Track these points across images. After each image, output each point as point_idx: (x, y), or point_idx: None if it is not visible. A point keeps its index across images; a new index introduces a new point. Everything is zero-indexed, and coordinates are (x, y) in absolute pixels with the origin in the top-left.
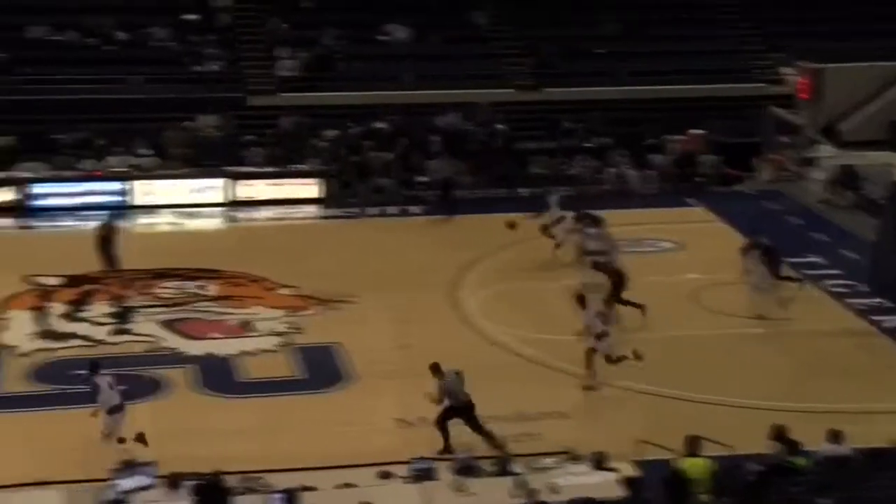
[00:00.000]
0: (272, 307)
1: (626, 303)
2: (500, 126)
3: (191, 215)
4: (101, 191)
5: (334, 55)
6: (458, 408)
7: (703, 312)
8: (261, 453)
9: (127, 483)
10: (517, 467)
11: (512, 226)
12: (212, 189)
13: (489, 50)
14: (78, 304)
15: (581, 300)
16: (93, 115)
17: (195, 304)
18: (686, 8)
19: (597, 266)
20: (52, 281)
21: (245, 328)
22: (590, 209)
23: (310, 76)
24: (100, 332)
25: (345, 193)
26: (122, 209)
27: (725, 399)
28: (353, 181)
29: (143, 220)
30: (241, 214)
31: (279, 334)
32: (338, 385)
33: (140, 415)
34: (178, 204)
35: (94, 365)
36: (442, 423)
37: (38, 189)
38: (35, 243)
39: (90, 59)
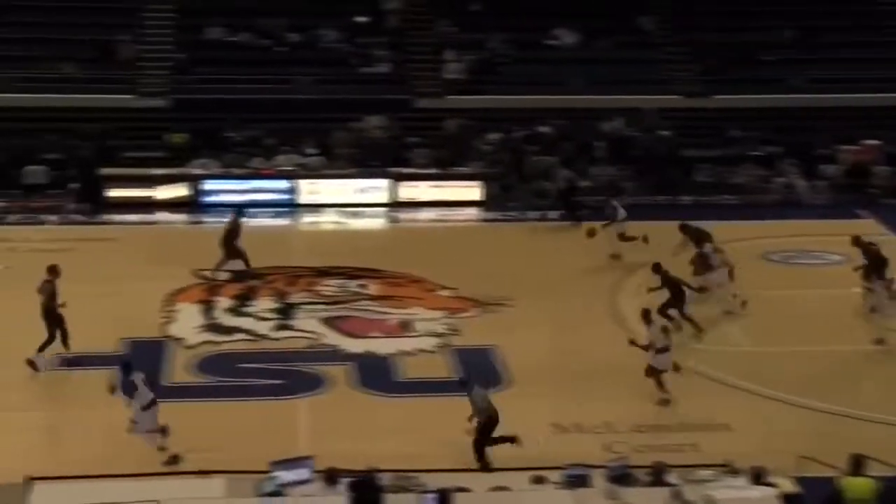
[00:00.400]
0: (431, 308)
1: (689, 319)
2: (664, 132)
3: (354, 215)
4: (268, 188)
5: (500, 59)
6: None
7: (870, 327)
8: (415, 452)
9: (286, 476)
10: (673, 478)
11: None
12: (376, 189)
13: (657, 55)
14: (243, 299)
15: (646, 315)
16: (263, 114)
17: (356, 303)
18: (862, 15)
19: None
20: (220, 276)
21: (404, 328)
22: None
23: (475, 79)
24: (263, 328)
25: (506, 197)
26: (288, 207)
27: (892, 418)
28: (514, 185)
29: (307, 218)
30: (404, 215)
31: (437, 335)
32: (493, 388)
33: (299, 410)
34: (343, 203)
35: (127, 365)
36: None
37: (208, 185)
38: (204, 238)
39: (262, 59)
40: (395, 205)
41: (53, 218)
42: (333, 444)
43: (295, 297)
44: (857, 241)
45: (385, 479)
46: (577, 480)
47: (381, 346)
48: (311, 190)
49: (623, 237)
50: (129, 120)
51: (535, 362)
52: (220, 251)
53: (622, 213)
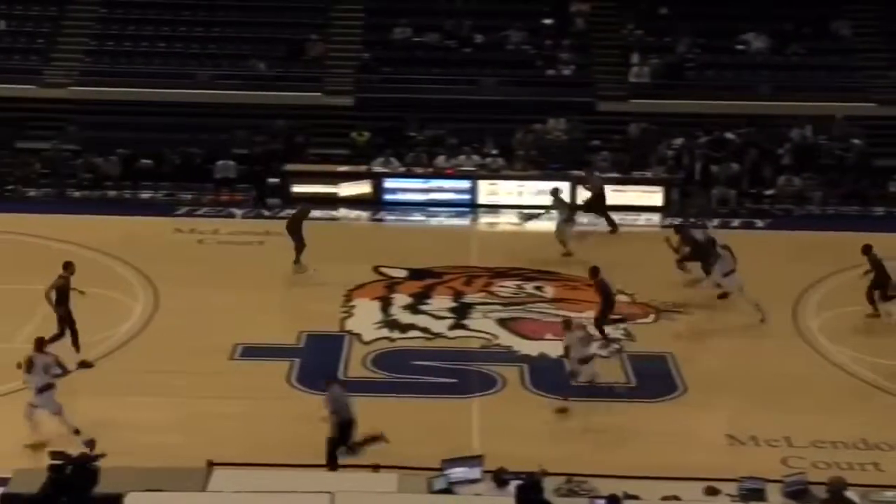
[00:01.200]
0: None
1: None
2: (856, 141)
3: (533, 216)
4: (449, 188)
5: (687, 63)
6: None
7: None
8: (586, 457)
9: (457, 474)
10: (854, 496)
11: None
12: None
13: (851, 62)
14: (420, 297)
15: (567, 324)
16: (446, 114)
17: (531, 305)
18: None
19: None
20: (398, 273)
21: None
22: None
23: (660, 83)
24: (439, 326)
25: (687, 203)
26: (468, 207)
27: None
28: (696, 191)
29: (485, 219)
30: (583, 218)
31: (612, 340)
32: (667, 395)
33: (471, 410)
34: (522, 205)
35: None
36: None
37: (390, 183)
38: (385, 236)
39: (448, 60)
40: (574, 208)
41: (241, 211)
42: (504, 444)
43: (471, 297)
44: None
45: (554, 483)
46: (752, 494)
47: (556, 348)
48: (490, 190)
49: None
50: (316, 117)
51: (711, 371)
52: (290, 238)
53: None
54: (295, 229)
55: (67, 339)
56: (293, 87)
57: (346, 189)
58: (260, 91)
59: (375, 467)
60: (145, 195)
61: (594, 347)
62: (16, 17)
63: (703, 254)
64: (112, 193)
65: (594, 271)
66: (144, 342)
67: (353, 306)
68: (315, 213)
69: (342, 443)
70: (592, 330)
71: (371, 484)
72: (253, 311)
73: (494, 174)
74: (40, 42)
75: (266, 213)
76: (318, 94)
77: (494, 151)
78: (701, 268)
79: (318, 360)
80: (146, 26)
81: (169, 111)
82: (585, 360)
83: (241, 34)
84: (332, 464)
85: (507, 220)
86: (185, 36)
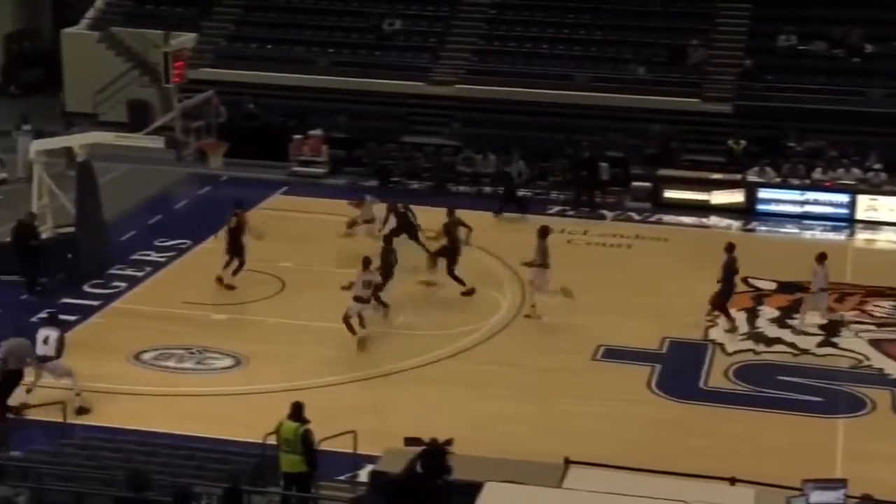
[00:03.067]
0: None
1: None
2: None
3: None
4: (825, 201)
5: None
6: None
7: None
8: None
9: (818, 497)
10: None
11: None
12: None
13: None
14: (789, 311)
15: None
16: (828, 125)
17: None
18: None
19: None
20: (767, 285)
21: None
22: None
23: None
24: (806, 342)
25: None
26: (845, 222)
27: None
28: None
29: (862, 235)
30: None
31: None
32: None
33: (836, 431)
34: None
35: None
36: None
37: (764, 194)
38: (755, 246)
39: (834, 69)
40: None
41: (611, 214)
42: (870, 470)
43: (843, 316)
44: None
45: None
46: None
47: None
48: (870, 206)
49: None
50: (692, 123)
51: None
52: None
53: None
54: (451, 233)
55: None
56: (671, 91)
57: (719, 197)
58: (638, 95)
59: (732, 480)
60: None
61: None
62: (410, 17)
63: None
64: (487, 189)
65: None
66: (509, 337)
67: (718, 316)
68: (685, 219)
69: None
70: None
71: (727, 497)
72: (617, 314)
73: (876, 189)
74: (432, 41)
75: (635, 216)
76: (697, 100)
77: (878, 166)
78: None
79: (679, 368)
80: (532, 28)
81: (546, 111)
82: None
83: (624, 38)
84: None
85: (886, 238)
86: (568, 38)
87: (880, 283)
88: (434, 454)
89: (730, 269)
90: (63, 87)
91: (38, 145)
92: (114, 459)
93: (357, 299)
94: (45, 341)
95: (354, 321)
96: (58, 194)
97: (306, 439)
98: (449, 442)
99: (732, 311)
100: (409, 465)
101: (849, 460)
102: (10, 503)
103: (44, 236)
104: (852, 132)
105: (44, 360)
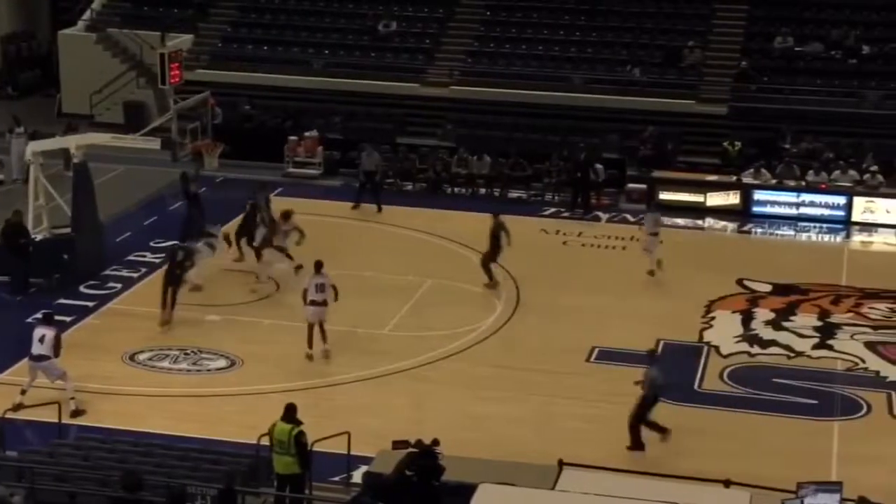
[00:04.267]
0: None
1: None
2: None
3: None
4: (821, 203)
5: None
6: None
7: None
8: None
9: (813, 500)
10: None
11: None
12: None
13: None
14: (783, 313)
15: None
16: (824, 127)
17: None
18: None
19: None
20: (762, 287)
21: None
22: None
23: None
24: (801, 344)
25: None
26: (840, 224)
27: None
28: None
29: (858, 237)
30: None
31: None
32: None
33: (831, 433)
34: None
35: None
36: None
37: (760, 195)
38: (751, 248)
39: (830, 71)
40: None
41: (606, 215)
42: (866, 473)
43: (838, 317)
44: None
45: None
46: None
47: None
48: (866, 208)
49: None
50: (688, 125)
51: None
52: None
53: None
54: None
55: None
56: (667, 93)
57: (714, 199)
58: (633, 97)
59: (727, 483)
60: (513, 194)
61: None
62: (405, 18)
63: None
64: (482, 191)
65: None
66: (504, 338)
67: (713, 318)
68: (680, 221)
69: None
70: None
71: (722, 499)
72: (612, 316)
73: (872, 191)
74: (426, 42)
75: (630, 218)
76: (692, 101)
77: (874, 168)
78: None
79: (674, 370)
80: (527, 29)
81: (541, 113)
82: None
83: (619, 39)
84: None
85: (883, 240)
86: (563, 40)
87: (876, 285)
88: (423, 456)
89: (496, 233)
90: (59, 88)
91: (34, 146)
92: (108, 460)
93: (313, 304)
94: (42, 340)
95: (316, 333)
96: (54, 195)
97: (300, 441)
98: (435, 442)
99: (726, 312)
100: (397, 467)
101: (844, 463)
102: (6, 503)
103: (39, 237)
104: (848, 134)
105: (39, 359)
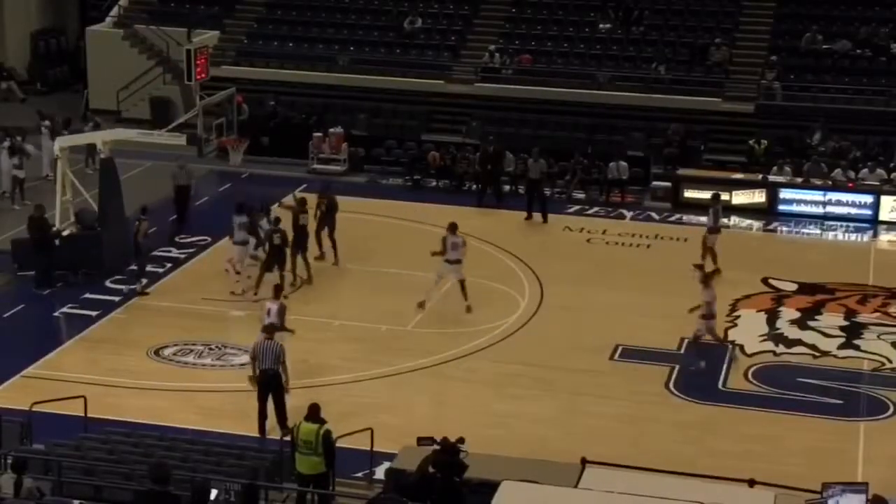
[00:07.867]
0: None
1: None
2: None
3: None
4: (848, 202)
5: None
6: None
7: None
8: None
9: (839, 500)
10: None
11: None
12: None
13: None
14: (809, 312)
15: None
16: (852, 125)
17: None
18: None
19: None
20: (787, 286)
21: None
22: None
23: None
24: (827, 344)
25: None
26: (868, 223)
27: None
28: None
29: (886, 236)
30: None
31: None
32: None
33: (857, 434)
34: None
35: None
36: None
37: (786, 194)
38: (776, 247)
39: (858, 69)
40: None
41: (630, 213)
42: (891, 473)
43: (865, 317)
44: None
45: None
46: None
47: None
48: (893, 207)
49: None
50: (713, 122)
51: None
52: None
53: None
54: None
55: None
56: (693, 91)
57: (740, 197)
58: (659, 94)
59: (751, 482)
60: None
61: None
62: (431, 15)
63: None
64: (507, 188)
65: None
66: (528, 335)
67: (738, 316)
68: (705, 219)
69: None
70: None
71: (746, 499)
72: (635, 314)
73: None
74: (452, 39)
75: (655, 216)
76: (718, 99)
77: None
78: None
79: (698, 368)
80: (552, 26)
81: (567, 110)
82: None
83: (646, 37)
84: None
85: None
86: (588, 37)
87: None
88: (446, 453)
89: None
90: (87, 84)
91: (62, 142)
92: (133, 454)
93: (448, 262)
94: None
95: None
96: (81, 190)
97: (328, 439)
98: (461, 440)
99: (751, 311)
100: (421, 464)
101: (870, 464)
102: (34, 493)
103: (66, 232)
104: (877, 132)
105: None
